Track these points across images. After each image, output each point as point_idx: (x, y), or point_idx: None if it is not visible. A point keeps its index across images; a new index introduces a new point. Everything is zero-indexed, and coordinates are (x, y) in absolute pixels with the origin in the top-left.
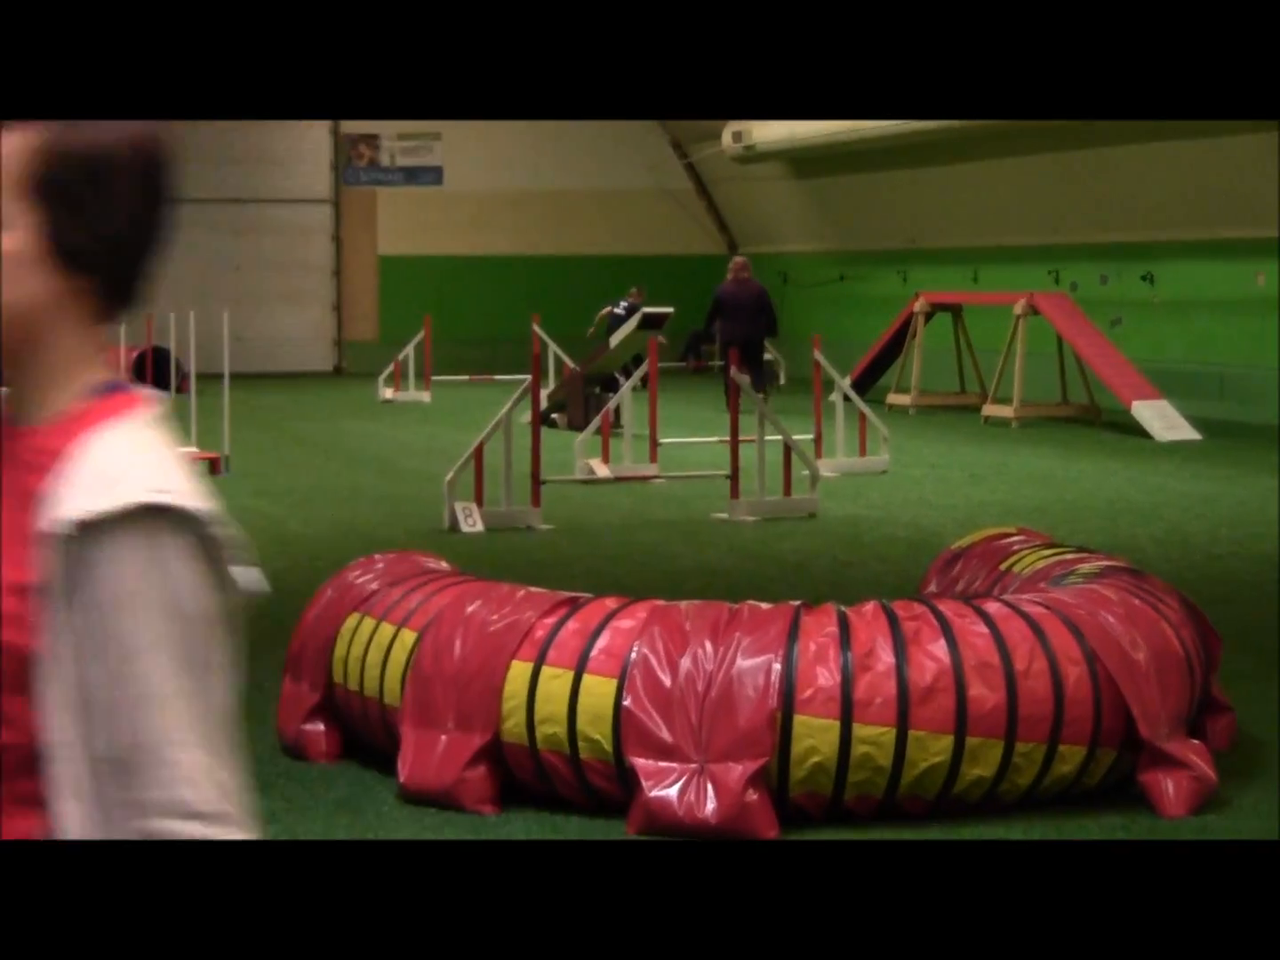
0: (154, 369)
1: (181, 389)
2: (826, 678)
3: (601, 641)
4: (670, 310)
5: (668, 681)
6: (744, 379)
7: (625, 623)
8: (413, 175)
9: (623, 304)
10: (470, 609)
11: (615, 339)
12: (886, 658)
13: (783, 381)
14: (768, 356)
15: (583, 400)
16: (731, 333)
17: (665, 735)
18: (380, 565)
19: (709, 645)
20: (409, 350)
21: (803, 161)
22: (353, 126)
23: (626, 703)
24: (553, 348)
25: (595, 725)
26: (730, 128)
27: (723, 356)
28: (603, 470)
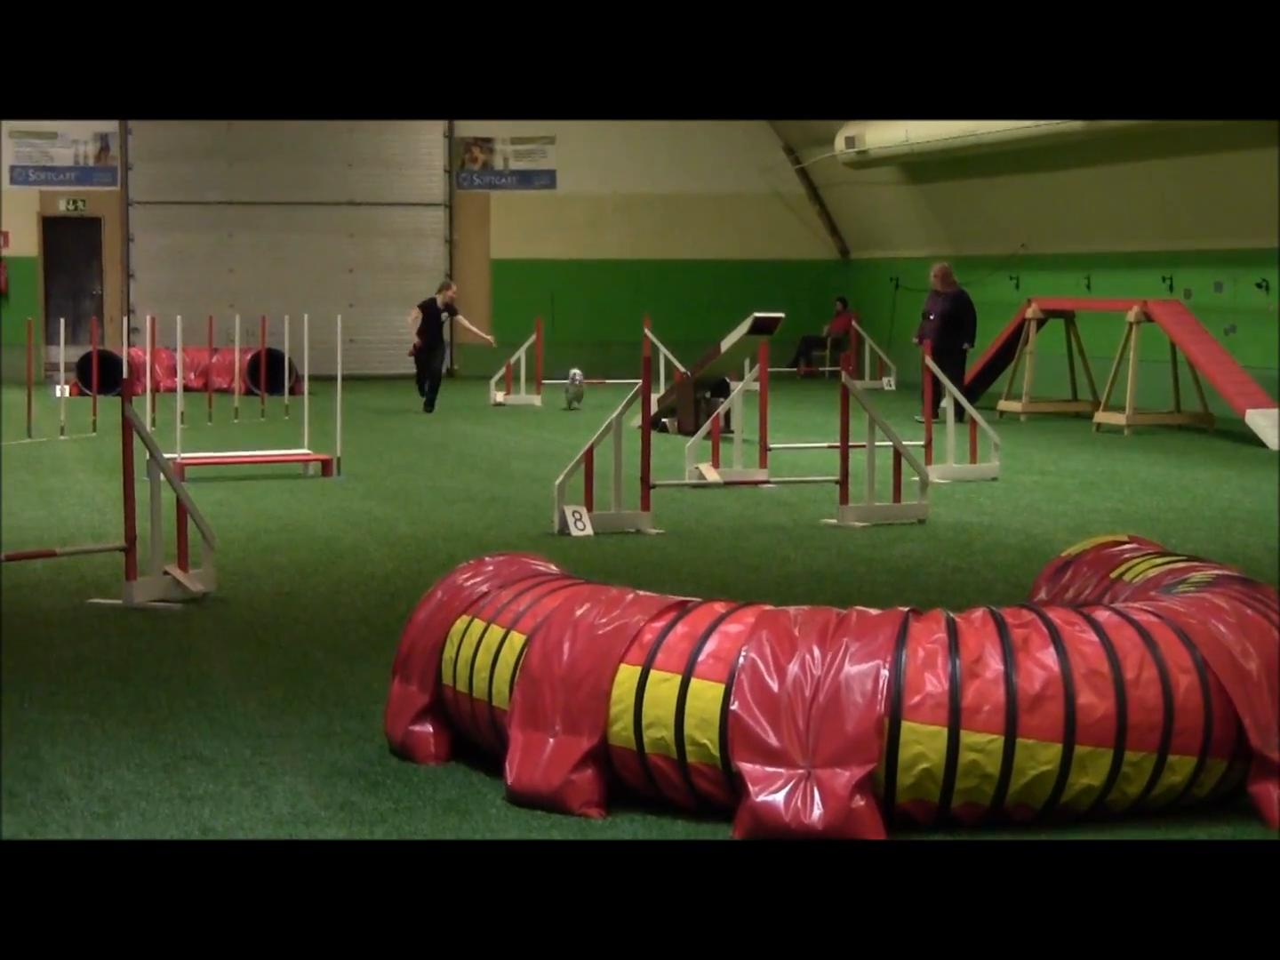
0: (268, 371)
1: (295, 391)
2: (935, 684)
3: (710, 646)
4: (781, 315)
5: (775, 686)
6: (855, 385)
7: (733, 627)
8: (526, 179)
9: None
10: (579, 612)
11: (725, 344)
12: (995, 665)
13: (892, 386)
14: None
15: (693, 405)
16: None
17: (772, 740)
18: (490, 567)
19: (817, 650)
20: (520, 353)
21: (915, 166)
22: (467, 130)
23: (734, 707)
24: (664, 352)
25: (702, 729)
26: (843, 132)
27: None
28: (713, 475)
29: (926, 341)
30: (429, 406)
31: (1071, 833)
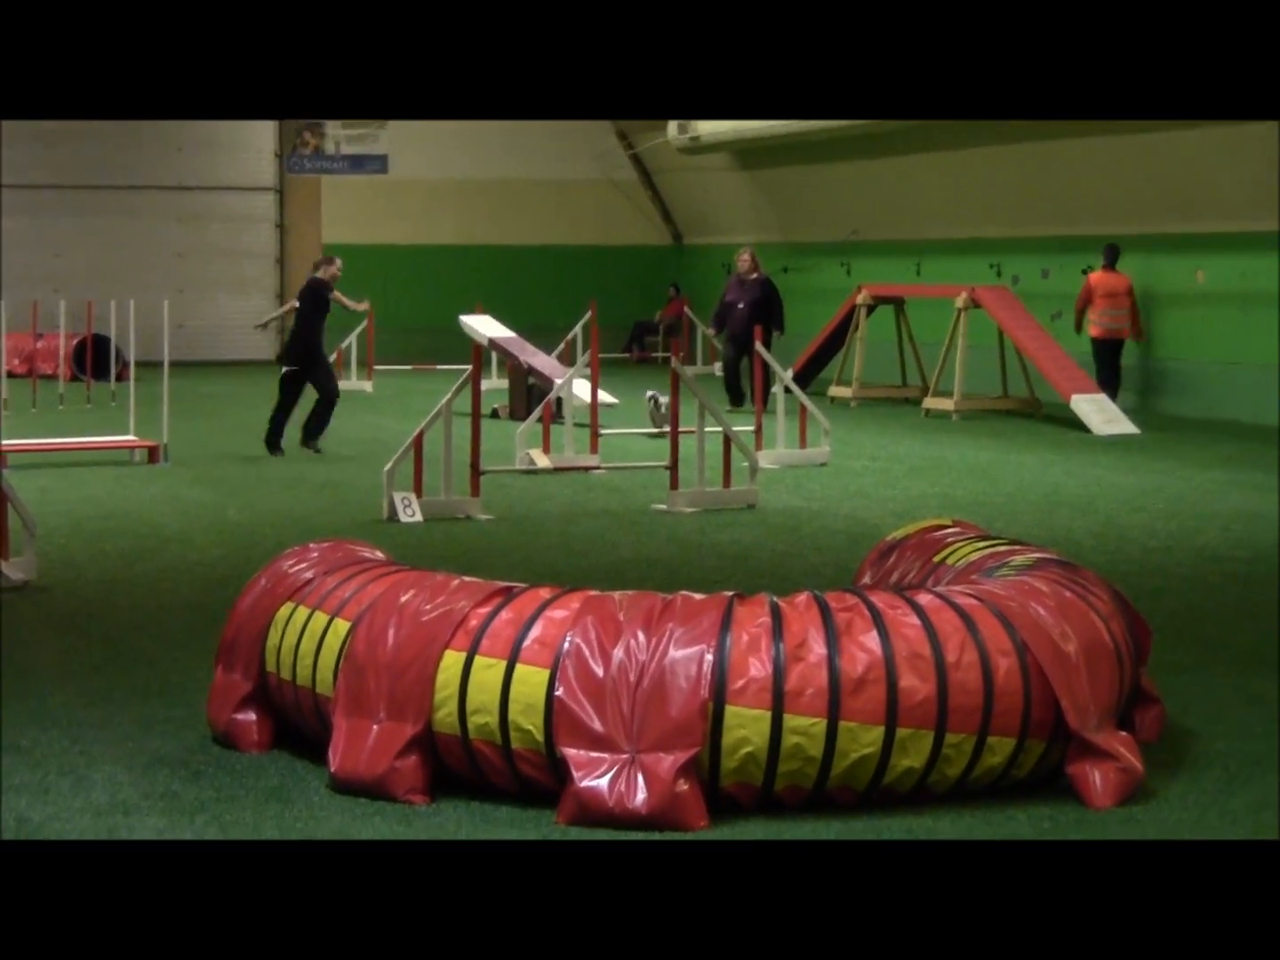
0: (94, 356)
1: (121, 377)
2: (758, 668)
3: (535, 631)
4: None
5: (600, 671)
6: (685, 371)
7: (559, 613)
8: (358, 163)
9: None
10: (404, 598)
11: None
12: (818, 649)
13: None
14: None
15: (524, 390)
16: None
17: (597, 725)
18: (315, 554)
19: (642, 635)
20: (351, 339)
21: (747, 153)
22: None
23: (558, 693)
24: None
25: (527, 715)
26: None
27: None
28: (543, 460)
29: (756, 327)
30: (311, 440)
31: (892, 816)
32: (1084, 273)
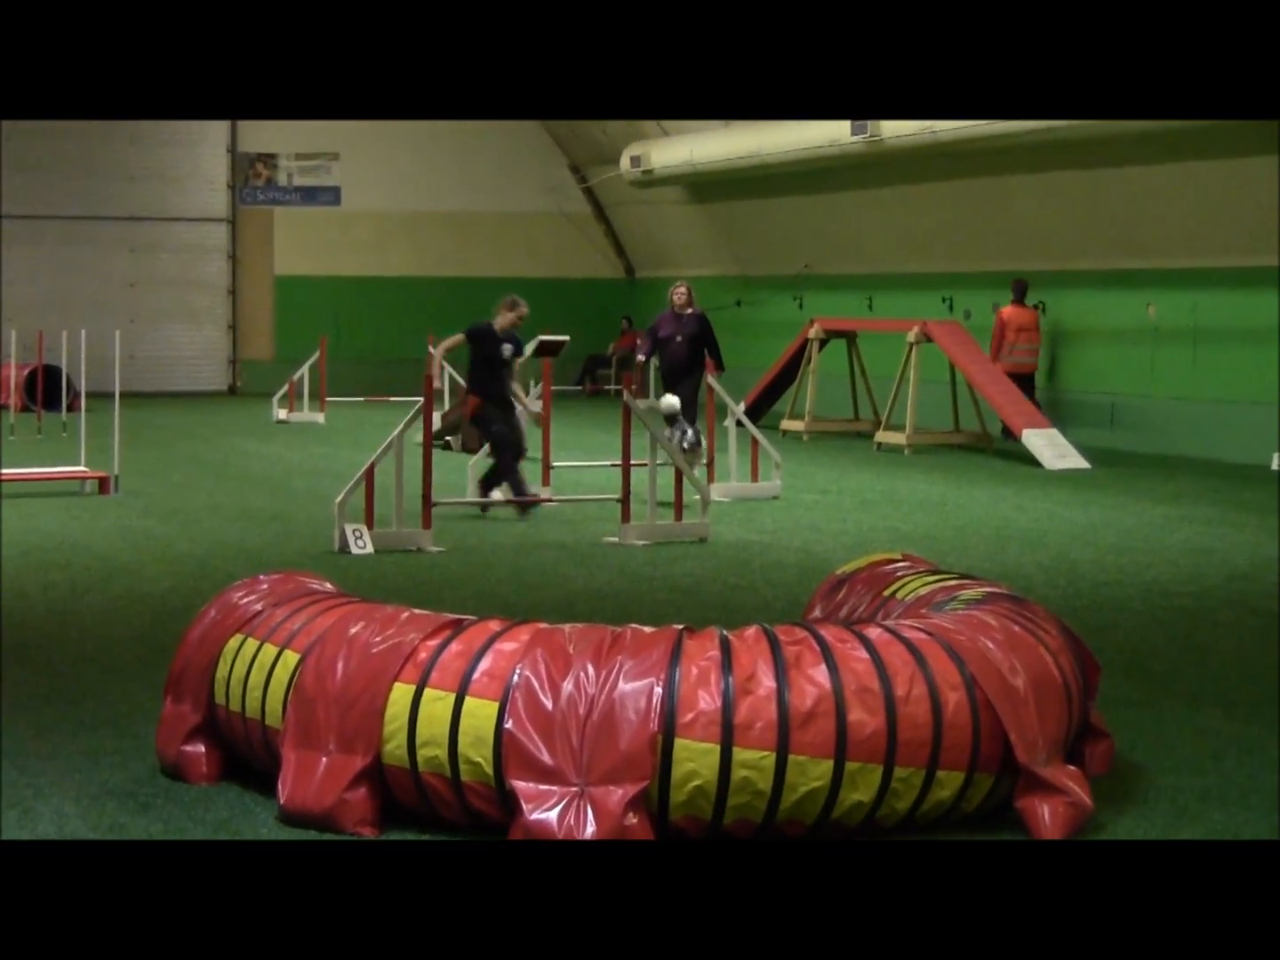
0: (45, 387)
1: (72, 407)
2: (708, 701)
3: (484, 664)
4: (565, 338)
5: (549, 704)
6: (638, 404)
7: (508, 645)
8: (310, 195)
9: None
10: (353, 630)
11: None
12: (768, 682)
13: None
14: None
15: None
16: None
17: (546, 758)
18: (264, 586)
19: (591, 668)
20: (304, 370)
21: (700, 186)
22: (250, 145)
23: (508, 725)
24: (448, 370)
25: (476, 748)
26: (629, 152)
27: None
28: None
29: (708, 361)
30: (490, 488)
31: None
32: (995, 307)
